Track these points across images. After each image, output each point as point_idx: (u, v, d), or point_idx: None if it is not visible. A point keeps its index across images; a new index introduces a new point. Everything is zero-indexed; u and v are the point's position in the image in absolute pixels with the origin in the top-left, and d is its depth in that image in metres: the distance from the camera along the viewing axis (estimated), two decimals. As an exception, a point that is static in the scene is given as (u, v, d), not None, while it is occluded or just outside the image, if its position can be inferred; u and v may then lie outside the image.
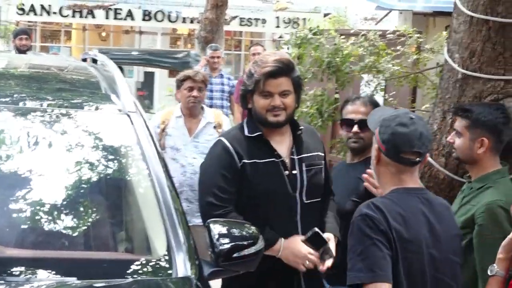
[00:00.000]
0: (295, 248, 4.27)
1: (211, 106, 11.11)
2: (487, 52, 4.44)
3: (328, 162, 4.84)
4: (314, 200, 4.48)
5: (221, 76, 11.74)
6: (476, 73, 4.45)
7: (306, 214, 4.42)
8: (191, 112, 7.02)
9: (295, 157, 4.44)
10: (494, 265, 3.59)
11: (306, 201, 4.43)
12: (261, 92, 4.32)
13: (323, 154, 4.61)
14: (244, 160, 4.35)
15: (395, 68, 6.36)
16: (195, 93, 6.89)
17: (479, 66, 4.41)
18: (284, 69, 4.32)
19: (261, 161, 4.38)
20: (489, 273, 3.61)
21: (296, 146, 4.47)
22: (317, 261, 4.24)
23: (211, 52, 12.08)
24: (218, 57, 11.99)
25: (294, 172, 4.43)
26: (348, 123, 4.92)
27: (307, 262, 4.25)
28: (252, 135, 4.41)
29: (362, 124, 4.64)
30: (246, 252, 3.56)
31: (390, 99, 6.87)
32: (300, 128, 4.53)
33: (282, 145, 4.46)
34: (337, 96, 6.62)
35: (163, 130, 7.06)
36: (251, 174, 4.35)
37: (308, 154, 4.49)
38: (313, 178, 4.47)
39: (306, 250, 4.25)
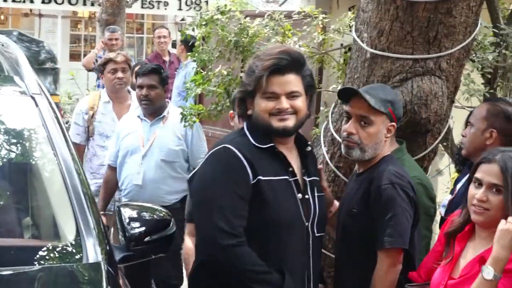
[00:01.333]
0: None
1: None
2: (395, 31, 4.43)
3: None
4: (322, 235, 3.79)
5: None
6: (385, 52, 4.43)
7: (316, 250, 3.73)
8: (119, 95, 6.89)
9: (307, 178, 3.67)
10: (489, 266, 3.21)
11: (317, 235, 3.68)
12: (264, 93, 3.53)
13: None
14: (259, 177, 3.49)
15: (301, 48, 6.32)
16: (119, 74, 6.74)
17: (387, 45, 4.40)
18: (292, 63, 3.54)
19: (275, 178, 3.54)
20: (485, 276, 3.22)
21: (305, 165, 3.71)
22: None
23: (109, 34, 12.05)
24: (117, 39, 11.94)
25: (306, 196, 3.64)
26: None
27: None
28: (262, 146, 3.55)
29: None
30: (157, 236, 3.49)
31: None
32: (309, 143, 3.78)
33: (292, 161, 3.65)
34: (242, 75, 6.57)
35: (92, 116, 6.81)
36: (265, 194, 3.51)
37: (315, 178, 3.75)
38: (323, 207, 3.75)
39: None
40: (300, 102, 3.57)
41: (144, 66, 6.32)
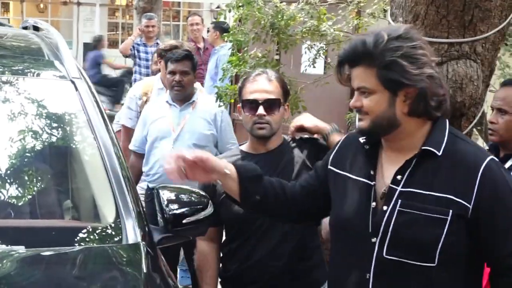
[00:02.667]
0: None
1: (147, 75, 11.11)
2: (431, 15, 4.35)
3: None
4: (404, 260, 2.86)
5: (157, 44, 11.51)
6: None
7: (384, 273, 2.92)
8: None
9: (399, 187, 2.90)
10: None
11: (386, 256, 2.88)
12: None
13: (464, 203, 2.83)
14: (330, 166, 3.19)
15: (336, 32, 6.28)
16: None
17: (423, 30, 4.32)
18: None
19: (350, 175, 3.07)
20: None
21: (412, 171, 2.92)
22: None
23: (145, 22, 12.04)
24: (153, 26, 11.93)
25: (385, 208, 2.91)
26: (251, 105, 4.01)
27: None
28: (361, 140, 3.08)
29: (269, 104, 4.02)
30: (195, 217, 3.45)
31: (332, 63, 6.82)
32: (429, 148, 2.90)
33: (388, 165, 3.02)
34: (277, 57, 6.56)
35: (145, 102, 6.77)
36: (331, 186, 3.18)
37: (422, 191, 2.87)
38: (404, 226, 2.87)
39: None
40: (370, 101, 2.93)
41: (177, 52, 6.14)
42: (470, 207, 2.81)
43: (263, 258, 3.89)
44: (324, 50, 6.58)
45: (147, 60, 11.40)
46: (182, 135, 5.82)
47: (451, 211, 2.81)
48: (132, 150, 6.15)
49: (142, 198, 5.34)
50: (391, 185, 2.93)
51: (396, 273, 2.89)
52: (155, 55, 8.14)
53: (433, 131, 2.93)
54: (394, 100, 2.88)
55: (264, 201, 3.27)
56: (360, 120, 3.01)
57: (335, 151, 3.21)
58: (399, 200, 2.89)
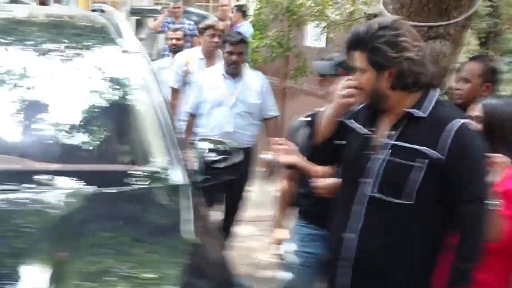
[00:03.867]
0: None
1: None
2: (415, 4, 4.29)
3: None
4: (388, 199, 2.85)
5: (182, 23, 11.43)
6: (406, 21, 4.22)
7: (373, 208, 2.89)
8: (212, 55, 6.68)
9: (391, 141, 2.87)
10: None
11: (374, 194, 2.87)
12: None
13: (437, 154, 2.79)
14: (347, 122, 3.07)
15: (336, 17, 6.27)
16: (215, 39, 6.58)
17: (408, 15, 4.25)
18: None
19: (350, 126, 3.03)
20: None
21: (403, 130, 2.88)
22: None
23: (174, 4, 11.90)
24: (179, 7, 11.74)
25: (379, 156, 2.88)
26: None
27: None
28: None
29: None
30: (228, 163, 3.40)
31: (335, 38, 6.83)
32: (415, 114, 2.87)
33: (386, 121, 2.95)
34: (289, 34, 6.61)
35: (187, 70, 6.69)
36: (345, 135, 3.06)
37: (405, 144, 2.83)
38: (390, 171, 2.84)
39: None
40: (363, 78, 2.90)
41: (234, 36, 5.99)
42: (443, 158, 2.78)
43: None
44: (326, 30, 6.56)
45: None
46: (236, 104, 5.75)
47: (427, 160, 2.79)
48: (189, 112, 6.01)
49: None
50: (385, 139, 2.89)
51: (382, 208, 2.87)
52: (169, 32, 8.10)
53: (422, 98, 2.89)
54: (380, 78, 2.85)
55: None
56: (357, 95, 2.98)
57: (352, 112, 3.08)
58: (389, 151, 2.86)
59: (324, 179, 3.45)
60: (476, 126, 3.17)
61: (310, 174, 3.57)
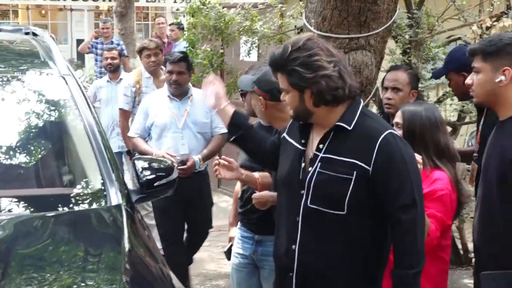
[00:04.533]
0: None
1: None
2: (335, 17, 4.32)
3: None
4: (322, 209, 2.83)
5: (111, 42, 11.25)
6: (327, 34, 4.28)
7: (308, 219, 2.86)
8: (155, 73, 6.36)
9: (321, 154, 2.85)
10: None
11: (309, 205, 2.85)
12: None
13: (365, 166, 2.77)
14: (283, 134, 3.09)
15: (265, 30, 6.28)
16: (152, 58, 6.26)
17: (329, 28, 4.31)
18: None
19: (292, 142, 3.00)
20: None
21: (331, 141, 2.86)
22: None
23: (102, 25, 11.69)
24: (107, 28, 11.51)
25: (310, 168, 2.87)
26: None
27: None
28: None
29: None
30: (164, 181, 3.36)
31: (264, 53, 6.83)
32: (342, 125, 2.85)
33: (317, 136, 2.92)
34: (222, 51, 6.51)
35: (138, 88, 6.38)
36: (281, 150, 3.08)
37: (335, 157, 2.81)
38: (322, 183, 2.82)
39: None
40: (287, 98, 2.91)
41: (174, 55, 5.62)
42: (370, 169, 2.76)
43: None
44: (256, 44, 6.56)
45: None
46: (187, 125, 5.36)
47: (355, 172, 2.76)
48: (132, 137, 5.64)
49: None
50: (315, 152, 2.87)
51: (317, 218, 2.84)
52: (105, 52, 7.81)
53: (347, 111, 2.86)
54: (302, 97, 2.83)
55: (246, 136, 3.21)
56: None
57: (289, 124, 3.08)
58: (319, 164, 2.83)
59: (260, 193, 3.47)
60: (398, 132, 3.20)
61: (250, 185, 3.60)
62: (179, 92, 5.42)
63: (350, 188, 2.77)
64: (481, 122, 3.97)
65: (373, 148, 2.76)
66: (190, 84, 5.61)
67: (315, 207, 2.83)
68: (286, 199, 2.98)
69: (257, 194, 3.49)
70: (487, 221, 3.02)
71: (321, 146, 2.86)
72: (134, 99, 6.40)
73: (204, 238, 5.82)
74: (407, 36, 5.55)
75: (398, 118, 3.51)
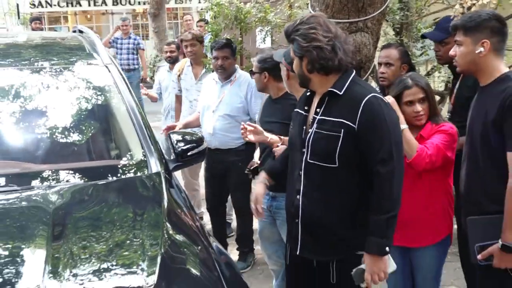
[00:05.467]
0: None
1: (126, 59, 10.94)
2: (336, 5, 4.24)
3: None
4: (318, 163, 2.83)
5: (129, 38, 11.21)
6: (330, 19, 4.14)
7: (308, 172, 2.88)
8: (195, 62, 6.05)
9: (318, 116, 2.85)
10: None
11: (309, 160, 2.85)
12: None
13: (351, 125, 2.74)
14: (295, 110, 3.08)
15: (277, 20, 6.21)
16: (189, 49, 5.95)
17: (332, 15, 4.21)
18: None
19: (297, 110, 3.03)
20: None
21: (325, 106, 2.85)
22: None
23: (122, 22, 11.57)
24: (126, 25, 11.38)
25: (309, 130, 2.88)
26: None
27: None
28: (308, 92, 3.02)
29: None
30: (195, 151, 3.36)
31: (276, 40, 6.78)
32: (333, 90, 2.83)
33: (316, 102, 2.93)
34: (240, 38, 6.43)
35: (179, 76, 6.17)
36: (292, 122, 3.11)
37: (327, 118, 2.82)
38: (317, 141, 2.83)
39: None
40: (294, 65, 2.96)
41: (218, 42, 5.29)
42: (355, 127, 2.73)
43: None
44: (270, 32, 6.51)
45: (124, 48, 11.10)
46: (220, 107, 5.07)
47: (343, 130, 2.76)
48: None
49: None
50: (314, 115, 2.88)
51: (315, 171, 2.85)
52: (165, 46, 7.37)
53: (339, 79, 2.84)
54: (301, 64, 2.85)
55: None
56: None
57: (299, 99, 3.14)
58: (316, 125, 2.84)
59: (280, 148, 3.52)
60: (388, 99, 3.24)
61: (274, 144, 3.64)
62: (225, 76, 5.12)
63: (339, 143, 2.76)
64: (457, 86, 3.89)
65: (358, 108, 2.74)
66: (237, 67, 5.28)
67: (313, 161, 2.84)
68: (293, 158, 2.99)
69: (278, 148, 3.56)
70: (472, 174, 2.98)
71: (318, 110, 2.86)
72: (177, 84, 6.25)
73: (243, 209, 5.19)
74: (398, 18, 5.46)
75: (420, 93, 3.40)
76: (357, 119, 2.73)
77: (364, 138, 2.73)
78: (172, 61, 6.92)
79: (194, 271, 2.35)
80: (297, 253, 2.96)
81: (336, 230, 2.85)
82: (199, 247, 2.52)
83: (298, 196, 2.90)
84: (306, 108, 2.95)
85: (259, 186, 3.27)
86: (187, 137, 3.44)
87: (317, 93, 2.92)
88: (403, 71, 4.10)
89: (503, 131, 2.78)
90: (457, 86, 3.91)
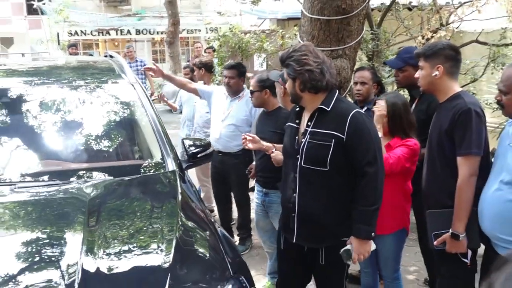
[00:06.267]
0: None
1: None
2: (321, 35, 4.28)
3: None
4: (312, 167, 2.81)
5: (136, 61, 11.00)
6: (312, 45, 4.19)
7: (303, 175, 2.84)
8: (203, 82, 5.93)
9: (309, 129, 2.84)
10: None
11: (303, 165, 2.83)
12: None
13: (341, 136, 2.74)
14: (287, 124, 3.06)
15: (271, 48, 6.21)
16: (196, 72, 5.94)
17: (317, 44, 4.23)
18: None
19: (289, 124, 3.01)
20: None
21: (316, 120, 2.83)
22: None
23: (126, 49, 11.26)
24: (130, 51, 11.04)
25: (302, 140, 2.86)
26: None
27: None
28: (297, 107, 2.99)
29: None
30: (204, 153, 3.41)
31: (271, 64, 6.79)
32: (322, 107, 2.81)
33: (306, 116, 2.91)
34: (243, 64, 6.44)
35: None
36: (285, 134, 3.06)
37: (319, 130, 2.80)
38: (311, 149, 2.80)
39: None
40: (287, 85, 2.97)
41: (228, 64, 5.24)
42: (344, 137, 2.72)
43: None
44: (266, 58, 6.52)
45: (133, 71, 10.80)
46: (228, 118, 5.03)
47: (333, 140, 2.74)
48: (197, 88, 5.34)
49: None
50: (305, 128, 2.84)
51: (309, 174, 2.81)
52: (183, 69, 7.24)
53: (326, 98, 2.83)
54: (294, 84, 2.83)
55: None
56: None
57: (291, 115, 3.07)
58: (308, 136, 2.81)
59: (276, 154, 3.49)
60: (376, 111, 3.31)
61: (269, 151, 3.61)
62: (230, 92, 5.07)
63: (330, 151, 2.75)
64: (412, 108, 3.85)
65: (345, 122, 2.74)
66: (245, 86, 5.14)
67: (307, 166, 2.81)
68: (288, 163, 2.96)
69: (274, 154, 3.53)
70: (431, 175, 3.00)
71: (309, 123, 2.84)
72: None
73: (240, 202, 5.30)
74: (370, 46, 5.48)
75: (382, 108, 3.38)
76: (345, 131, 2.73)
77: (353, 145, 2.72)
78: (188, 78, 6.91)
79: (203, 251, 2.37)
80: (293, 241, 2.94)
81: (326, 222, 2.84)
82: (207, 232, 2.52)
83: (294, 195, 2.88)
84: (297, 121, 2.93)
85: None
86: (197, 142, 3.48)
87: (307, 109, 2.89)
88: (374, 88, 4.14)
89: (454, 139, 2.81)
90: (412, 108, 3.88)
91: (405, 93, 6.24)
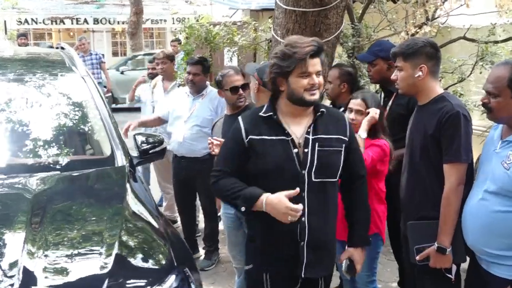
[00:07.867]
0: (277, 203, 2.49)
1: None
2: (296, 29, 4.31)
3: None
4: (324, 180, 2.61)
5: (90, 54, 10.85)
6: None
7: (313, 191, 2.59)
8: (165, 78, 5.97)
9: (310, 136, 2.60)
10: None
11: (314, 180, 2.58)
12: (302, 72, 2.54)
13: (345, 139, 2.67)
14: (250, 136, 2.60)
15: (243, 42, 6.23)
16: (160, 66, 5.88)
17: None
18: (320, 49, 2.62)
19: (269, 138, 2.59)
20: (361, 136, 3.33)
21: (314, 126, 2.63)
22: (297, 214, 2.51)
23: (78, 42, 11.04)
24: (83, 44, 10.82)
25: (305, 150, 2.58)
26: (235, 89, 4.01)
27: (289, 217, 2.49)
28: (264, 115, 2.63)
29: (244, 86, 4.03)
30: (156, 149, 3.63)
31: (242, 59, 6.78)
32: (321, 110, 2.66)
33: (301, 125, 2.64)
34: (210, 58, 6.41)
35: (153, 89, 6.10)
36: (258, 149, 2.58)
37: (325, 136, 2.63)
38: (324, 158, 2.60)
39: (286, 203, 2.48)
40: (322, 79, 2.64)
41: (193, 58, 5.18)
42: (347, 139, 2.69)
43: None
44: (236, 52, 6.52)
45: (88, 65, 10.53)
46: (191, 118, 4.92)
47: (343, 144, 2.67)
48: (158, 116, 5.41)
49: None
50: (306, 136, 2.61)
51: (319, 188, 2.62)
52: (148, 63, 7.20)
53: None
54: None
55: None
56: None
57: (243, 128, 2.65)
58: (316, 143, 2.61)
59: None
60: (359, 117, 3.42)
61: None
62: (194, 90, 5.02)
63: (342, 157, 2.68)
64: (389, 104, 3.94)
65: (344, 124, 2.72)
66: (208, 83, 5.14)
67: (319, 180, 2.60)
68: (281, 183, 2.58)
69: None
70: (413, 183, 2.97)
71: (309, 130, 2.62)
72: (152, 96, 6.19)
73: (209, 211, 5.16)
74: (350, 43, 5.52)
75: (359, 106, 3.46)
76: (348, 133, 2.71)
77: (351, 148, 2.73)
78: (152, 76, 6.88)
79: (147, 246, 2.60)
80: (302, 275, 2.65)
81: (334, 244, 2.79)
82: (153, 225, 2.75)
83: (303, 218, 2.59)
84: (286, 132, 2.62)
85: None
86: (150, 139, 3.66)
87: (302, 115, 2.67)
88: (343, 88, 4.12)
89: (440, 145, 2.82)
90: (389, 104, 3.95)
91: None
